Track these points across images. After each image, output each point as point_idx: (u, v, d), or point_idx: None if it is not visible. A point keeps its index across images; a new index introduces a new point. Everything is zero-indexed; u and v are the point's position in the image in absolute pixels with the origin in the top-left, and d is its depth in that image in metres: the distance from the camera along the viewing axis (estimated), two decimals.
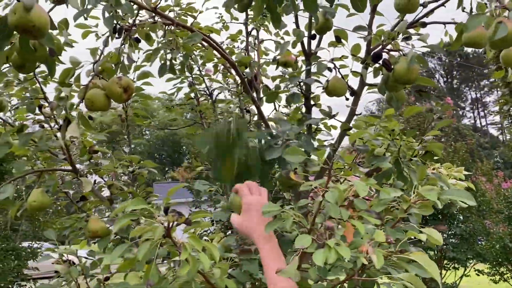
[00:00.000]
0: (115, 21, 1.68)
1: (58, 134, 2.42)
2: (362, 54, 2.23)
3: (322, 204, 1.40)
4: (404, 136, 2.03)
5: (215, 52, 2.62)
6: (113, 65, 1.81)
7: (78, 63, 1.83)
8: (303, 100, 2.23)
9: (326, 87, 1.98)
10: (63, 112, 2.31)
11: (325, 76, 2.11)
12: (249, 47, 3.04)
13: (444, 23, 2.26)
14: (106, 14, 1.71)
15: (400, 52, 1.85)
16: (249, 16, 3.07)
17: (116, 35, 1.74)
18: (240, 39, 3.16)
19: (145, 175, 2.86)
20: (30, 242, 7.76)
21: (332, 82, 1.95)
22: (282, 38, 3.06)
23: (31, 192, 2.40)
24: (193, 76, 2.83)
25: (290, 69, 2.84)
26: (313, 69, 2.23)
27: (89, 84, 1.83)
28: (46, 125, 2.47)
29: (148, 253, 1.34)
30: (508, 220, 8.72)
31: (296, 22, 2.16)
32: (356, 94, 2.10)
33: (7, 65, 2.27)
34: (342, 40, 2.23)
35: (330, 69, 1.96)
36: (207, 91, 2.86)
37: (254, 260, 2.03)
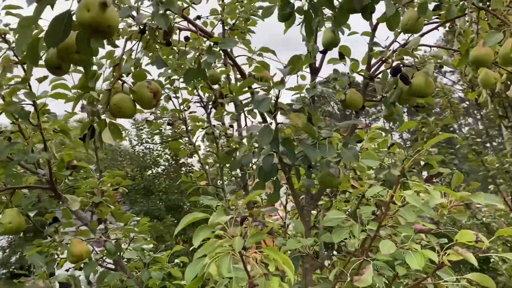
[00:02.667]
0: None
1: (38, 146, 2.18)
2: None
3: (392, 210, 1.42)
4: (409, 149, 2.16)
5: None
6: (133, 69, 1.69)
7: (102, 65, 1.67)
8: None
9: (344, 100, 2.03)
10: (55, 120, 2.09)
11: (335, 90, 2.17)
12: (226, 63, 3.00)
13: (431, 46, 2.47)
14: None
15: (415, 67, 1.98)
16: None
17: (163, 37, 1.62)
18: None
19: (124, 192, 2.65)
20: None
21: (349, 95, 2.02)
22: (261, 54, 3.07)
23: (5, 212, 2.10)
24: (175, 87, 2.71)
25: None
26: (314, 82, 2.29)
27: (111, 89, 1.67)
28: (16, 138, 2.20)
29: (229, 267, 1.24)
30: None
31: (315, 37, 2.21)
32: (364, 108, 2.18)
33: None
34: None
35: (350, 84, 2.03)
36: (202, 103, 2.75)
37: None
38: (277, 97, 1.75)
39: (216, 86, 3.11)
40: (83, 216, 2.32)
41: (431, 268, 1.59)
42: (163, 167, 8.71)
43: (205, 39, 2.50)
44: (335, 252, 2.12)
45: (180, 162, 8.50)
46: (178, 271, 2.52)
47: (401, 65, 1.96)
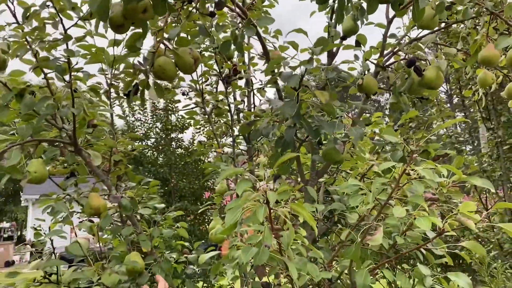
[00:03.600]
0: None
1: (64, 102, 2.28)
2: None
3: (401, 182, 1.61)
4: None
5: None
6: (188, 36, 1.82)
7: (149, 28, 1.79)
8: None
9: (361, 84, 2.20)
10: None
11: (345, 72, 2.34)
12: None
13: (437, 44, 2.65)
14: None
15: (427, 61, 2.16)
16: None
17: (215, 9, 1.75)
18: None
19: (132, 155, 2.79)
20: None
21: (367, 80, 2.18)
22: (276, 37, 3.21)
23: (31, 162, 2.21)
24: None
25: None
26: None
27: (155, 52, 1.79)
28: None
29: (264, 215, 1.40)
30: None
31: (335, 24, 2.35)
32: (376, 93, 2.36)
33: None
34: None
35: (368, 70, 2.19)
36: (220, 75, 2.87)
37: None
38: (302, 75, 1.90)
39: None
40: (100, 173, 2.45)
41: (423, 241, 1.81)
42: (153, 140, 8.80)
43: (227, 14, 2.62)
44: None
45: (171, 136, 8.61)
46: (184, 231, 2.69)
47: (416, 58, 2.13)
